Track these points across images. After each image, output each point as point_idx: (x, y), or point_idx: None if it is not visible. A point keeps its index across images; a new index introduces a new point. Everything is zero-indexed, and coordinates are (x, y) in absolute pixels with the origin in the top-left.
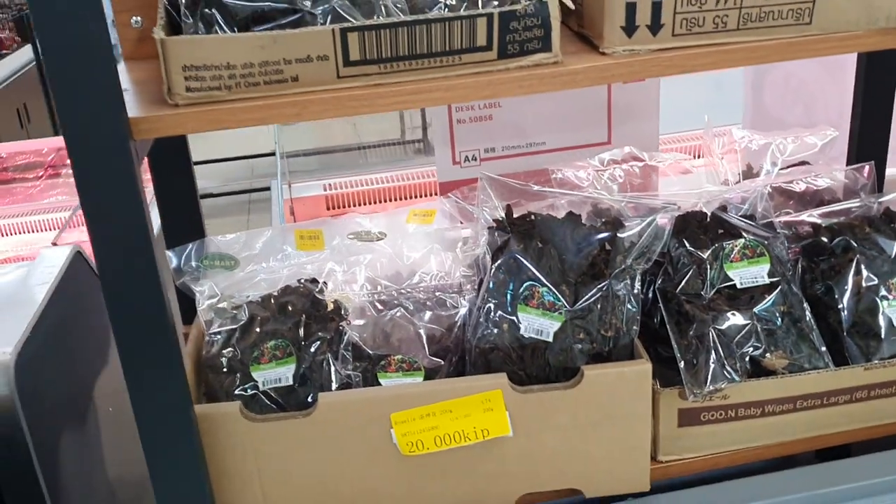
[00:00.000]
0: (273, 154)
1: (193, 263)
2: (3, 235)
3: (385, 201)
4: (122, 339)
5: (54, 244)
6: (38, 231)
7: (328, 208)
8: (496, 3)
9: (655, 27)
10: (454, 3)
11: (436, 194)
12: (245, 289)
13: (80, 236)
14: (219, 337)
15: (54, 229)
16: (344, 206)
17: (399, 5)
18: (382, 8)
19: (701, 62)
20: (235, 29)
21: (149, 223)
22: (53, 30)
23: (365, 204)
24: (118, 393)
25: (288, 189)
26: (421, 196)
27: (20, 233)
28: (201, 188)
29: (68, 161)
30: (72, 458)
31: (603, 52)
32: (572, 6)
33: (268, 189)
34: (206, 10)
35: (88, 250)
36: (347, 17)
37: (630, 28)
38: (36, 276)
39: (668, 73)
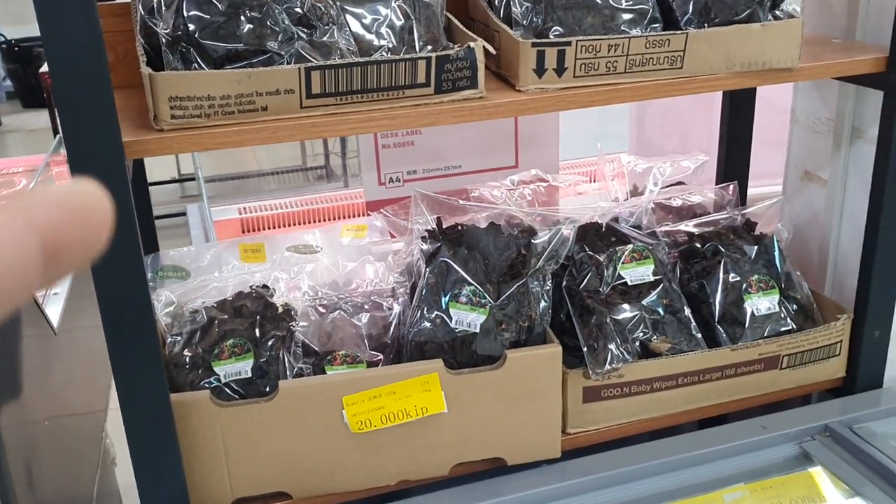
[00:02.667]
0: (171, 181)
1: (149, 274)
2: None
3: (296, 224)
4: (112, 336)
5: None
6: None
7: (243, 231)
8: (429, 47)
9: (560, 70)
10: (393, 45)
11: (347, 217)
12: (198, 297)
13: None
14: (180, 338)
15: None
16: (259, 229)
17: (350, 48)
18: (337, 51)
19: (597, 98)
20: (211, 66)
21: (137, 232)
22: (63, 64)
23: (278, 227)
24: (53, 405)
25: (208, 212)
26: (333, 219)
27: None
28: None
29: None
30: (19, 463)
31: (518, 89)
32: (494, 51)
33: (177, 215)
34: (185, 49)
35: None
36: (309, 57)
37: (540, 70)
38: None
39: (571, 107)
